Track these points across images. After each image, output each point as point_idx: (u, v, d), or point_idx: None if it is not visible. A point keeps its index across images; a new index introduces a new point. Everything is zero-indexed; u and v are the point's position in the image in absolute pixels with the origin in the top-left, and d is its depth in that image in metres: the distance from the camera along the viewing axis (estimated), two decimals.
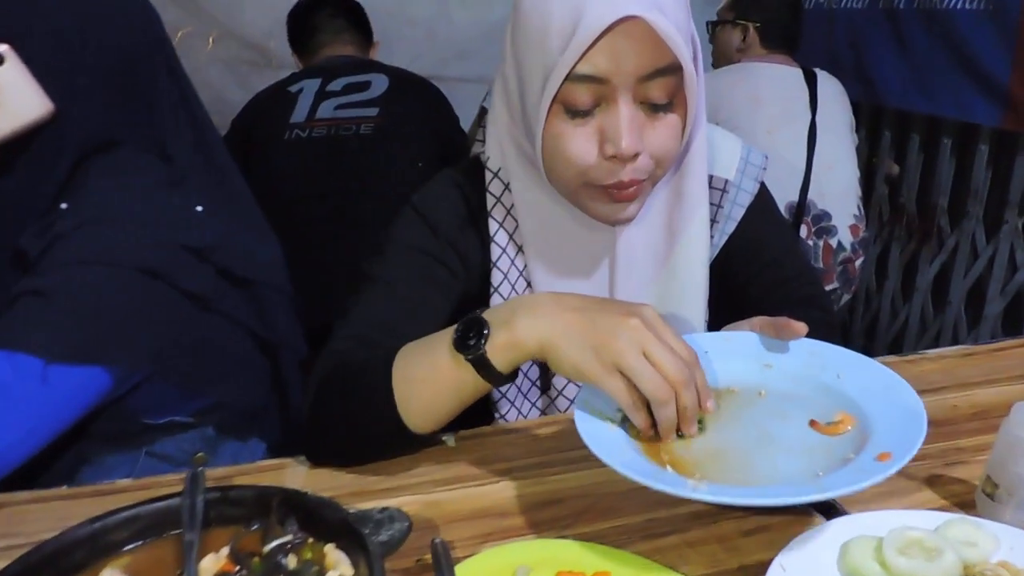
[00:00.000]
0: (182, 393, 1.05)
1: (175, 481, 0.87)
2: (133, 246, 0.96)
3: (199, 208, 1.04)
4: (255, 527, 0.68)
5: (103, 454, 1.06)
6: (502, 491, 0.85)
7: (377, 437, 0.87)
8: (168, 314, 0.99)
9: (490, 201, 1.00)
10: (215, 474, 0.89)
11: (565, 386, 1.04)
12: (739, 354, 0.87)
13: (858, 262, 2.28)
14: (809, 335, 0.85)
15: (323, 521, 0.66)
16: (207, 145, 1.11)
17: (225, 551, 0.65)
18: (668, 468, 0.72)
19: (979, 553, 0.68)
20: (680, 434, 0.76)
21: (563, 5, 0.83)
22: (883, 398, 0.77)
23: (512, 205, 0.99)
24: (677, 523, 0.79)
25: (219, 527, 0.68)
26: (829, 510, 0.77)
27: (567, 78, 0.84)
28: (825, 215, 2.22)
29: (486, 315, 0.79)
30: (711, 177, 1.04)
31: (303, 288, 1.52)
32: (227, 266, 1.05)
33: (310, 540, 0.66)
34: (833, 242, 2.22)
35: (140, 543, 0.66)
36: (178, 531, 0.66)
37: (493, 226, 1.00)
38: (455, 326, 0.80)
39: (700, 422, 0.78)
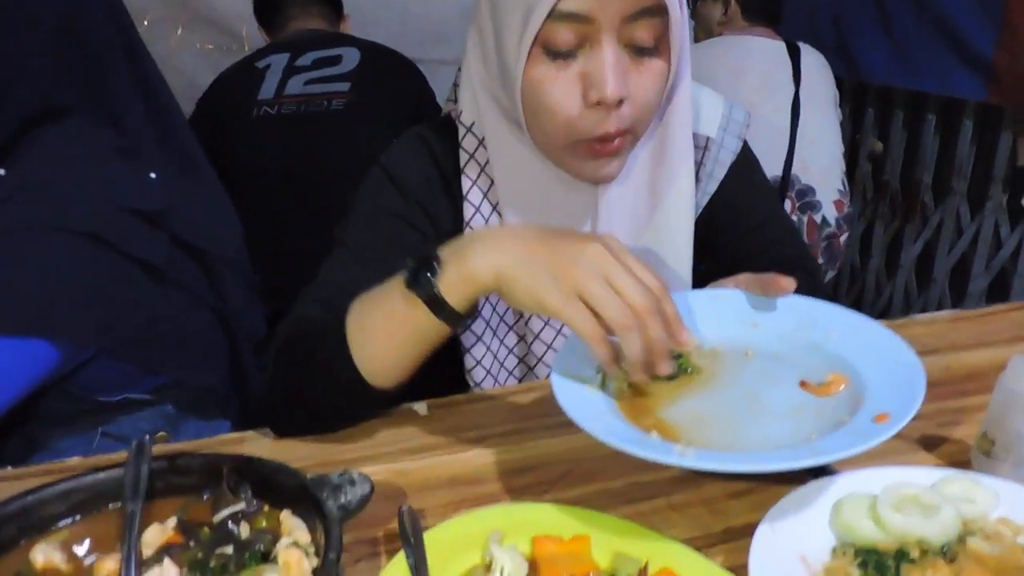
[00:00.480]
0: (137, 369, 1.00)
1: None
2: (78, 210, 0.90)
3: (152, 175, 0.99)
4: (206, 497, 0.63)
5: (55, 437, 1.01)
6: (475, 458, 0.80)
7: (337, 397, 0.81)
8: (119, 284, 0.94)
9: (463, 157, 0.95)
10: (171, 448, 0.84)
11: (544, 353, 0.99)
12: (725, 313, 0.82)
13: (843, 238, 2.25)
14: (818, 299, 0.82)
15: (278, 487, 0.61)
16: (164, 117, 1.05)
17: (172, 522, 0.60)
18: (653, 433, 0.67)
19: (978, 509, 0.64)
20: (655, 377, 0.71)
21: None
22: (877, 356, 0.73)
23: (487, 162, 0.94)
24: (661, 487, 0.75)
25: (166, 498, 0.63)
26: (821, 475, 0.73)
27: (549, 15, 0.79)
28: (809, 190, 2.18)
29: (439, 251, 0.74)
30: (693, 135, 0.99)
31: (272, 270, 1.47)
32: (181, 234, 1.00)
33: (265, 508, 0.61)
34: (817, 217, 2.19)
35: (78, 517, 0.61)
36: (120, 504, 0.61)
37: (466, 183, 0.95)
38: (406, 266, 0.75)
39: (681, 364, 0.74)
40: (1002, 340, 1.05)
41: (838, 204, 2.22)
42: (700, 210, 1.02)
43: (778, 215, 1.11)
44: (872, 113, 2.84)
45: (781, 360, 0.77)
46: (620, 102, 0.83)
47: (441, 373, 0.93)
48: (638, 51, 0.83)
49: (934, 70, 2.37)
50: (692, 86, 1.01)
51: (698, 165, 1.01)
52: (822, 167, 2.19)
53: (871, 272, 2.90)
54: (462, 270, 0.72)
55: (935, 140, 2.58)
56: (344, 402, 0.82)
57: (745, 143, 1.05)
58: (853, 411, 0.67)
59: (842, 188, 2.23)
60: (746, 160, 1.05)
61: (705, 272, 1.02)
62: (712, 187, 1.02)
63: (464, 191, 0.95)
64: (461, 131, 0.95)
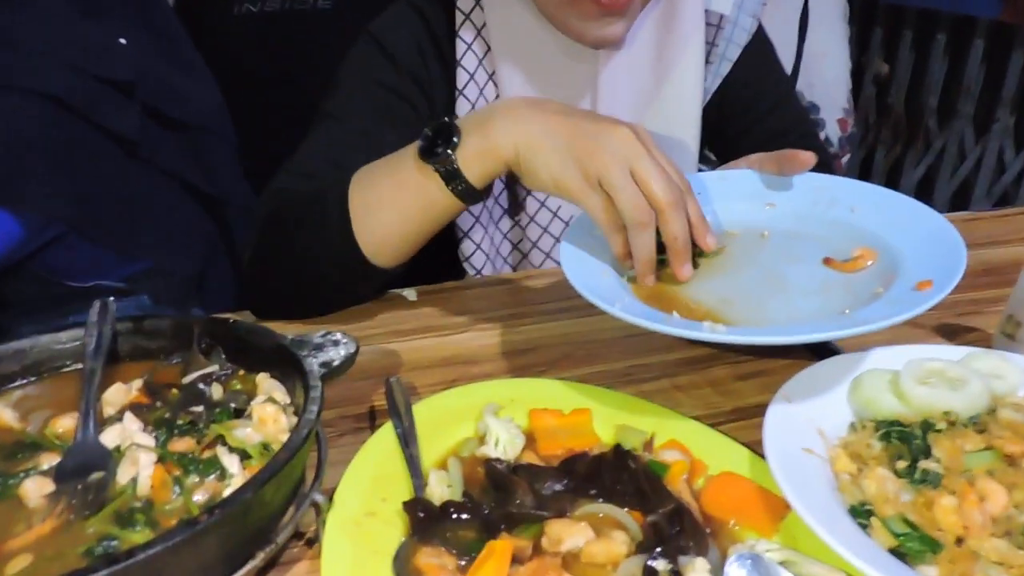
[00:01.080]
0: (109, 254, 0.94)
1: None
2: (41, 70, 0.82)
3: (122, 40, 0.91)
4: (175, 360, 0.58)
5: (23, 325, 0.95)
6: (469, 340, 0.76)
7: (332, 275, 0.76)
8: (89, 157, 0.87)
9: (459, 18, 0.87)
10: None
11: (539, 238, 0.93)
12: (738, 194, 0.76)
13: (844, 159, 2.19)
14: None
15: (254, 349, 0.56)
16: None
17: (138, 383, 0.55)
18: (674, 314, 0.61)
19: (1007, 385, 0.60)
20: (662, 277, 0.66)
21: None
22: (908, 227, 0.67)
23: (483, 25, 0.87)
24: (665, 368, 0.71)
25: (133, 362, 0.59)
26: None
27: None
28: (813, 107, 2.11)
29: (457, 121, 0.69)
30: (705, 12, 0.92)
31: (258, 173, 1.40)
32: (157, 105, 0.93)
33: (240, 371, 0.56)
34: (820, 137, 2.12)
35: (34, 379, 0.56)
36: (80, 365, 0.56)
37: (460, 47, 0.88)
38: (421, 135, 0.69)
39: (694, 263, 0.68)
40: (1018, 239, 1.01)
41: (842, 123, 2.15)
42: (711, 93, 0.95)
43: (791, 101, 1.04)
44: (880, 33, 2.74)
45: (802, 238, 0.71)
46: None
47: (434, 261, 0.87)
48: None
49: None
50: None
51: (710, 45, 0.94)
52: (828, 83, 2.11)
53: None
54: (483, 143, 0.67)
55: (944, 62, 2.49)
56: (338, 279, 0.76)
57: (760, 23, 0.97)
58: (888, 284, 0.62)
59: (847, 107, 2.16)
60: (760, 41, 0.98)
61: (714, 162, 0.97)
62: (725, 69, 0.95)
63: (458, 55, 0.88)
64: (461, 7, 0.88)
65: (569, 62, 0.87)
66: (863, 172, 2.86)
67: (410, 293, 0.84)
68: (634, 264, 0.65)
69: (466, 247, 0.92)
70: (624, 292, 0.65)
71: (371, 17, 1.84)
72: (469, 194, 0.69)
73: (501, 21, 0.86)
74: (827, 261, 0.68)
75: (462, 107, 0.89)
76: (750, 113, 0.98)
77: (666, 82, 0.90)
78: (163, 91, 0.93)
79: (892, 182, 2.74)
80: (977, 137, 2.40)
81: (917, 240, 0.65)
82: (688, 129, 0.91)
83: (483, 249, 0.92)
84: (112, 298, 0.60)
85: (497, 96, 0.89)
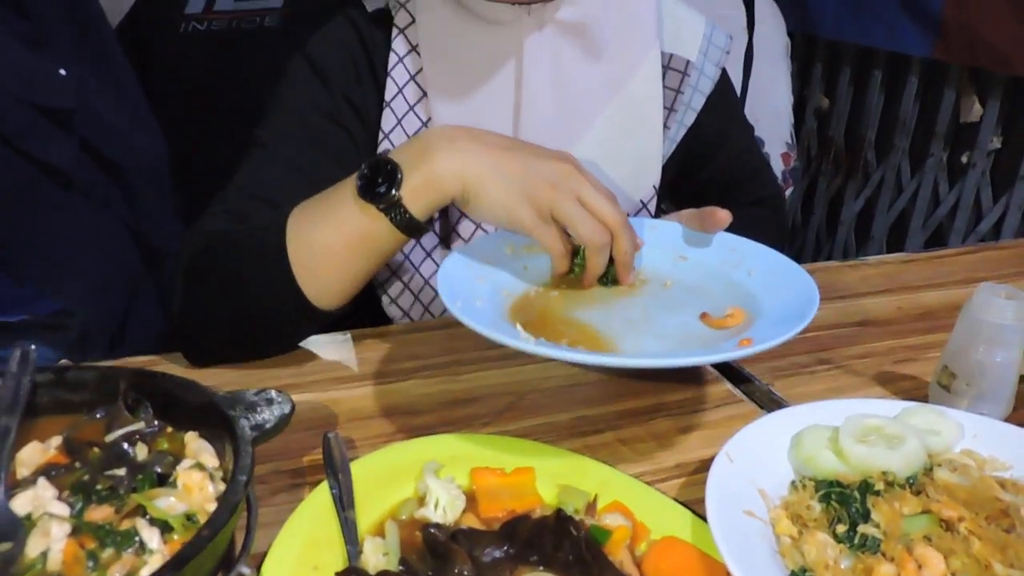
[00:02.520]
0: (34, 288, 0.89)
1: None
2: None
3: (62, 72, 0.88)
4: (99, 415, 0.55)
5: None
6: (411, 389, 0.74)
7: (273, 320, 0.73)
8: (16, 187, 0.83)
9: (393, 32, 0.87)
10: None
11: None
12: (657, 243, 0.80)
13: (788, 191, 2.24)
14: (758, 236, 0.79)
15: (183, 405, 0.53)
16: (83, 14, 0.94)
17: (56, 441, 0.52)
18: (518, 327, 0.64)
19: (943, 441, 0.61)
20: (605, 282, 0.74)
21: None
22: (782, 295, 0.70)
23: (417, 44, 0.86)
24: (610, 420, 0.70)
25: (53, 415, 0.55)
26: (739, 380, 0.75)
27: None
28: (759, 141, 2.16)
29: (392, 155, 0.68)
30: (671, 57, 0.93)
31: (197, 193, 1.36)
32: (94, 142, 0.89)
33: (168, 429, 0.54)
34: None
35: None
36: None
37: (392, 59, 0.87)
38: (356, 173, 0.68)
39: (610, 274, 0.74)
40: (952, 281, 1.04)
41: (785, 157, 2.20)
42: (675, 144, 0.96)
43: (751, 152, 1.07)
44: (820, 68, 2.83)
45: (696, 293, 0.75)
46: None
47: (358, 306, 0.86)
48: None
49: (883, 24, 2.35)
50: (672, 1, 0.94)
51: (676, 92, 0.94)
52: (771, 118, 2.16)
53: (812, 228, 2.92)
54: (426, 177, 0.66)
55: (880, 97, 2.57)
56: (279, 324, 0.74)
57: (724, 70, 0.98)
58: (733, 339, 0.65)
59: (790, 141, 2.22)
60: (725, 89, 0.99)
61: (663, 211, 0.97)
62: (690, 119, 0.95)
63: (389, 67, 0.87)
64: (394, 8, 0.88)
65: (494, 47, 0.86)
66: (806, 203, 2.93)
67: (347, 337, 0.82)
68: (586, 277, 0.72)
69: (384, 300, 0.90)
70: (490, 306, 0.69)
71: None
72: (414, 228, 0.69)
73: (429, 25, 0.85)
74: (703, 316, 0.70)
75: (387, 120, 0.87)
76: (710, 165, 0.99)
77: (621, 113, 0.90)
78: (102, 129, 0.89)
79: (833, 212, 2.81)
80: (913, 170, 2.48)
81: (782, 307, 0.67)
82: (647, 175, 0.92)
83: (411, 289, 0.91)
84: (33, 346, 0.57)
85: (429, 119, 0.87)
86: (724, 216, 0.76)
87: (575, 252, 0.73)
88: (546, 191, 0.66)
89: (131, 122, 0.98)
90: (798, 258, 2.70)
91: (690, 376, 0.77)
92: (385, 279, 0.92)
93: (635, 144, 0.91)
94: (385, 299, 0.93)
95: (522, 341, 0.59)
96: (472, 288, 0.68)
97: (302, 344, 0.80)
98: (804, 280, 0.70)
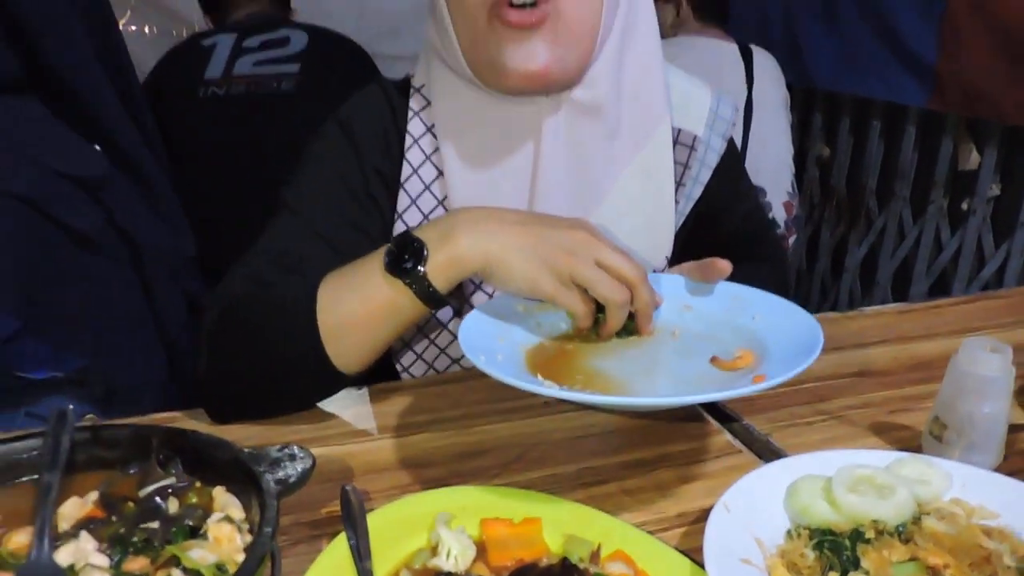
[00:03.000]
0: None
1: None
2: (10, 172, 0.84)
3: (96, 147, 0.93)
4: (132, 471, 0.59)
5: None
6: (424, 442, 0.77)
7: (297, 383, 0.78)
8: (46, 253, 0.88)
9: (409, 115, 0.92)
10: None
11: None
12: (664, 295, 0.83)
13: (791, 240, 2.28)
14: (759, 289, 0.83)
15: (212, 461, 0.57)
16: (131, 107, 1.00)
17: (93, 496, 0.56)
18: (538, 376, 0.69)
19: (932, 491, 0.63)
20: (621, 334, 0.78)
21: None
22: (787, 334, 0.74)
23: (432, 125, 0.91)
24: (614, 471, 0.73)
25: (88, 472, 0.59)
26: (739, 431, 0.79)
27: None
28: (760, 191, 2.21)
29: (418, 233, 0.73)
30: (679, 131, 0.97)
31: (214, 254, 1.42)
32: (122, 224, 0.94)
33: (197, 484, 0.57)
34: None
35: None
36: (36, 476, 0.56)
37: (408, 141, 0.92)
38: (383, 249, 0.73)
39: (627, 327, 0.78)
40: (948, 332, 1.07)
41: (787, 206, 2.24)
42: (684, 217, 0.99)
43: (755, 212, 1.11)
44: (820, 119, 2.89)
45: (704, 339, 0.79)
46: None
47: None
48: None
49: (879, 76, 2.42)
50: (678, 74, 1.00)
51: (684, 167, 0.98)
52: (773, 169, 2.21)
53: (817, 275, 2.95)
54: (450, 255, 0.72)
55: (880, 146, 2.63)
56: (302, 387, 0.79)
57: (731, 140, 1.02)
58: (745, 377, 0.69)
59: (791, 190, 2.26)
60: (730, 159, 1.03)
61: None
62: (697, 192, 1.00)
63: (404, 148, 0.92)
64: (411, 91, 0.93)
65: (511, 124, 0.89)
66: (810, 249, 2.98)
67: (363, 392, 0.86)
68: (605, 330, 0.76)
69: (406, 359, 0.94)
70: (510, 357, 0.73)
71: (332, 99, 1.90)
72: (436, 301, 0.74)
73: (446, 106, 0.90)
74: (713, 360, 0.74)
75: (402, 201, 0.91)
76: (718, 227, 1.04)
77: (631, 184, 0.94)
78: (127, 205, 0.94)
79: (838, 259, 2.85)
80: (915, 217, 2.52)
81: (788, 345, 0.72)
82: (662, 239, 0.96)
83: (424, 359, 0.95)
84: (71, 406, 0.61)
85: (445, 197, 0.91)
86: (724, 266, 0.80)
87: (597, 308, 0.76)
88: (564, 258, 0.70)
89: (159, 217, 1.04)
90: (804, 305, 2.72)
91: (692, 427, 0.80)
92: (399, 349, 0.95)
93: (648, 216, 0.95)
94: (398, 366, 0.96)
95: (548, 388, 0.63)
96: (492, 346, 0.72)
97: None
98: (806, 319, 0.75)
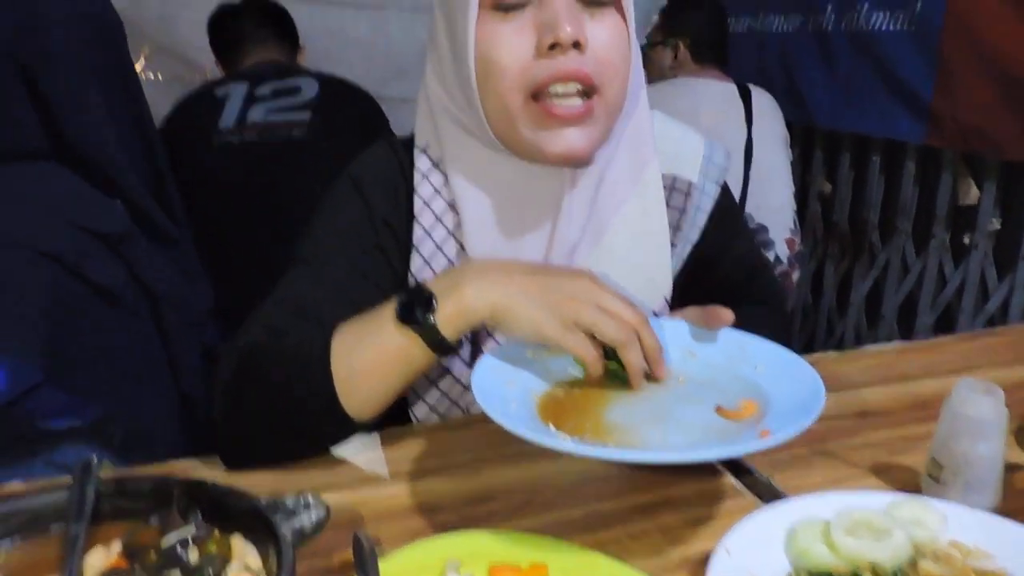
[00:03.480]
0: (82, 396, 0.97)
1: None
2: (38, 229, 0.88)
3: (119, 202, 0.97)
4: (154, 521, 0.61)
5: None
6: (434, 487, 0.79)
7: (311, 431, 0.81)
8: (70, 308, 0.91)
9: (417, 177, 0.95)
10: (119, 472, 0.81)
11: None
12: (667, 341, 0.85)
13: (795, 275, 2.31)
14: (763, 333, 0.85)
15: (230, 511, 0.59)
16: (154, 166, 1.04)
17: (117, 546, 0.58)
18: (550, 426, 0.71)
19: (928, 533, 0.65)
20: (617, 381, 0.78)
21: None
22: (789, 387, 0.76)
23: (442, 186, 0.94)
24: (619, 516, 0.75)
25: (113, 522, 0.61)
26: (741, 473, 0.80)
27: None
28: (762, 228, 2.24)
29: (429, 285, 0.76)
30: (674, 178, 1.00)
31: (229, 300, 1.45)
32: (142, 276, 0.98)
33: (215, 532, 0.59)
34: (770, 255, 2.24)
35: (17, 540, 0.59)
36: (62, 526, 0.58)
37: (418, 203, 0.94)
38: (395, 300, 0.77)
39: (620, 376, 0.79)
40: (949, 370, 1.08)
41: (789, 243, 2.27)
42: (682, 261, 1.02)
43: (753, 255, 1.13)
44: (820, 155, 2.93)
45: (708, 386, 0.81)
46: (577, 46, 0.80)
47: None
48: (591, 3, 0.82)
49: (876, 113, 2.46)
50: (670, 123, 1.02)
51: (680, 212, 1.00)
52: (774, 206, 2.24)
53: (823, 310, 2.97)
54: (459, 305, 0.75)
55: (880, 181, 2.66)
56: (315, 434, 0.81)
57: (724, 185, 1.05)
58: (750, 430, 0.71)
59: (793, 227, 2.29)
60: (725, 204, 1.05)
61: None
62: (695, 236, 1.02)
63: (415, 211, 0.94)
64: (416, 152, 0.96)
65: (531, 191, 0.91)
66: (815, 284, 2.99)
67: (375, 438, 0.88)
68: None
69: (418, 410, 0.97)
70: (521, 407, 0.75)
71: (343, 145, 1.95)
72: (446, 349, 0.77)
73: (462, 168, 0.92)
74: (719, 409, 0.76)
75: (415, 262, 0.94)
76: (716, 274, 1.06)
77: (626, 234, 0.96)
78: (147, 260, 0.98)
79: (843, 293, 2.87)
80: (917, 252, 2.55)
81: (791, 398, 0.73)
82: (659, 288, 0.98)
83: (438, 412, 0.97)
84: (96, 458, 0.63)
85: (457, 226, 0.93)
86: (727, 315, 0.83)
87: (606, 355, 0.78)
88: (568, 303, 0.73)
89: (188, 283, 1.07)
90: (810, 340, 2.75)
91: (695, 470, 0.82)
92: (413, 401, 0.97)
93: (646, 256, 0.97)
94: (413, 419, 0.98)
95: (563, 442, 0.65)
96: (504, 393, 0.75)
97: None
98: (808, 372, 0.76)
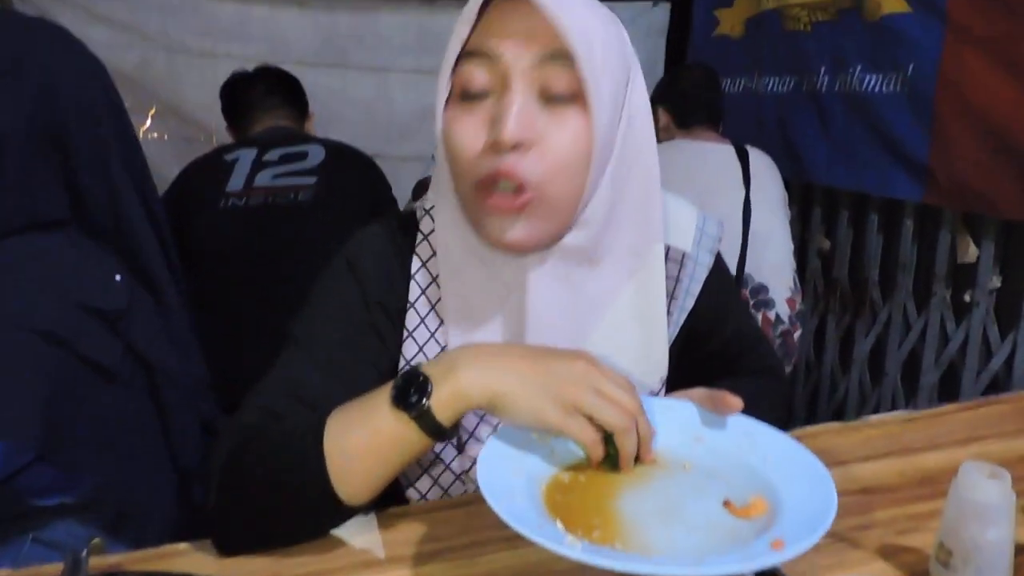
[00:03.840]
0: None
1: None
2: (38, 309, 0.88)
3: (118, 277, 0.97)
4: None
5: None
6: (431, 571, 0.78)
7: (303, 514, 0.79)
8: (67, 386, 0.90)
9: (414, 264, 0.95)
10: (108, 561, 0.79)
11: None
12: (673, 423, 0.84)
13: (796, 334, 2.30)
14: (763, 404, 0.84)
15: None
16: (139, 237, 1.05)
17: None
18: (558, 523, 0.68)
19: None
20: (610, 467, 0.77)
21: None
22: (800, 488, 0.73)
23: (437, 276, 0.94)
24: None
25: None
26: None
27: (461, 54, 0.82)
28: (762, 288, 2.24)
29: (423, 369, 0.75)
30: (668, 248, 1.00)
31: (229, 361, 1.44)
32: (139, 351, 0.98)
33: None
34: (772, 314, 2.24)
35: None
36: None
37: (414, 290, 0.94)
38: (390, 384, 0.76)
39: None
40: (954, 441, 1.07)
41: (790, 302, 2.27)
42: (678, 328, 1.02)
43: (749, 325, 1.13)
44: (819, 212, 2.95)
45: (715, 476, 0.78)
46: (518, 147, 0.80)
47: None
48: (550, 99, 0.82)
49: (873, 172, 2.46)
50: (665, 194, 1.01)
51: (675, 281, 1.00)
52: (774, 265, 2.25)
53: (826, 367, 2.95)
54: (454, 388, 0.74)
55: (879, 238, 2.67)
56: (309, 519, 0.80)
57: (718, 255, 1.06)
58: (760, 535, 0.68)
59: (793, 286, 2.30)
60: (720, 273, 1.06)
61: (672, 382, 1.01)
62: (689, 304, 1.02)
63: (410, 297, 0.94)
64: (420, 213, 0.96)
65: (496, 277, 0.91)
66: (817, 340, 2.98)
67: (372, 521, 0.86)
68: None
69: (409, 495, 0.96)
70: (530, 503, 0.72)
71: (345, 210, 1.98)
72: (441, 433, 0.76)
73: (446, 237, 0.92)
74: (727, 503, 0.74)
75: (409, 348, 0.94)
76: (712, 342, 1.06)
77: (624, 305, 0.95)
78: (145, 332, 0.98)
79: (845, 350, 2.86)
80: (919, 309, 2.54)
81: (801, 502, 0.71)
82: (656, 365, 0.97)
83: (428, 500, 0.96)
84: (85, 552, 0.62)
85: (441, 323, 0.94)
86: (736, 403, 0.81)
87: (606, 439, 0.77)
88: (567, 389, 0.73)
89: (181, 352, 1.07)
90: (813, 397, 2.73)
91: None
92: (414, 477, 0.96)
93: (643, 331, 0.96)
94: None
95: (569, 548, 0.62)
96: (510, 484, 0.72)
97: None
98: (820, 473, 0.74)
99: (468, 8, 0.82)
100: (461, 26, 0.83)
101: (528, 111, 0.80)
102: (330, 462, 0.76)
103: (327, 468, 0.75)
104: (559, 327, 0.91)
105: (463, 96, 0.83)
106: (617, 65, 0.85)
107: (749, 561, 0.63)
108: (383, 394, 0.76)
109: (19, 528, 0.97)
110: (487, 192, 0.82)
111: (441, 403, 0.74)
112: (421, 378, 0.74)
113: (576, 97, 0.82)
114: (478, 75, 0.82)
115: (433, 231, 0.95)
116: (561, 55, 0.80)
